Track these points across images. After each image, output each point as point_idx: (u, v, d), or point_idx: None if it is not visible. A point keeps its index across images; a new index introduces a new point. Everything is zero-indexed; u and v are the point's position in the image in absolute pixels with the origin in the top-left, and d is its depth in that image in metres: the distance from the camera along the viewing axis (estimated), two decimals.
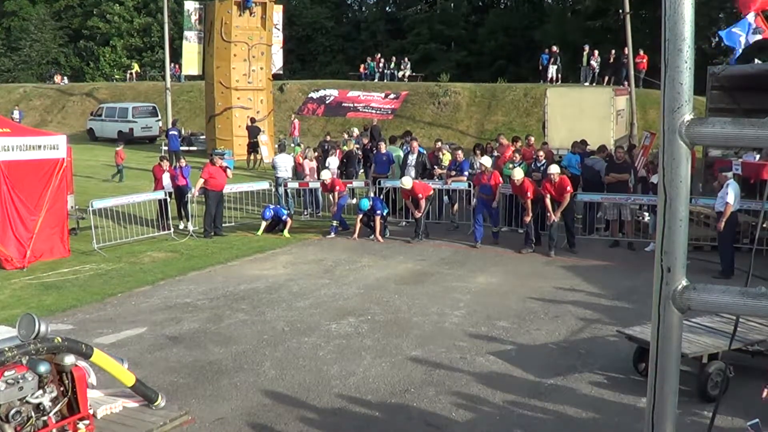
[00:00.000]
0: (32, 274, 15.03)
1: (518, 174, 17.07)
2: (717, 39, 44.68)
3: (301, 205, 22.05)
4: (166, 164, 20.46)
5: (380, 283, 14.49)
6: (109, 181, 27.80)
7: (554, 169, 16.92)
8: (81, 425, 7.42)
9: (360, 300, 13.31)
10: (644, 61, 35.64)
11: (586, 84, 37.02)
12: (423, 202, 18.27)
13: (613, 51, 36.87)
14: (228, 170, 19.67)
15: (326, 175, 19.43)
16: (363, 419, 8.62)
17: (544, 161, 18.73)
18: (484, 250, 17.22)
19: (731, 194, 14.26)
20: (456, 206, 19.88)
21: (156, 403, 8.47)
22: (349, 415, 8.70)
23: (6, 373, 6.86)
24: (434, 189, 19.15)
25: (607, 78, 36.66)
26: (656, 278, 2.06)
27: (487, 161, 18.25)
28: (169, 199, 18.98)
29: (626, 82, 32.21)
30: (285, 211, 19.45)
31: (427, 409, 8.84)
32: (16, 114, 43.25)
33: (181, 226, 19.41)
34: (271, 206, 19.62)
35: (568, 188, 16.57)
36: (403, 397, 9.15)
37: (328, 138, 28.15)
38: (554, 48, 40.09)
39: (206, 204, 18.81)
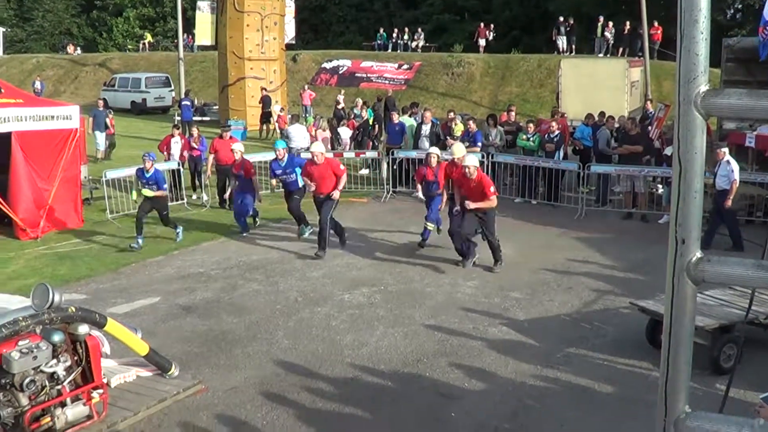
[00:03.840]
0: (46, 244, 15.11)
1: (458, 151, 13.67)
2: (732, 11, 44.22)
3: None
4: (177, 132, 20.36)
5: (393, 253, 14.51)
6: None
7: (471, 161, 12.96)
8: (95, 394, 7.50)
9: (373, 270, 13.34)
10: (658, 32, 35.29)
11: (600, 55, 36.72)
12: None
13: (628, 22, 36.51)
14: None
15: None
16: (375, 389, 8.67)
17: (557, 132, 18.64)
18: (496, 221, 17.14)
19: (736, 170, 14.24)
20: None
21: (169, 373, 8.54)
22: (361, 385, 8.75)
23: (20, 343, 6.93)
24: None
25: (621, 49, 36.36)
26: (670, 250, 2.05)
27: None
28: (182, 169, 18.97)
29: (640, 54, 31.96)
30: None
31: (440, 379, 8.88)
32: (38, 84, 43.00)
33: (194, 197, 19.42)
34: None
35: (492, 189, 13.09)
36: (416, 367, 9.19)
37: (340, 105, 28.01)
38: (561, 18, 39.75)
39: (217, 178, 18.76)
